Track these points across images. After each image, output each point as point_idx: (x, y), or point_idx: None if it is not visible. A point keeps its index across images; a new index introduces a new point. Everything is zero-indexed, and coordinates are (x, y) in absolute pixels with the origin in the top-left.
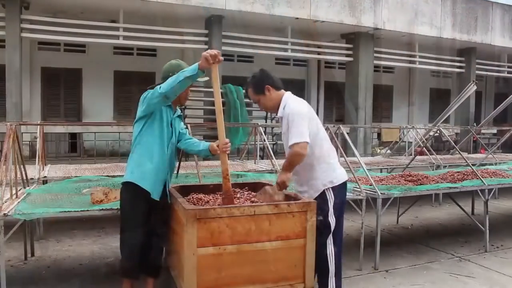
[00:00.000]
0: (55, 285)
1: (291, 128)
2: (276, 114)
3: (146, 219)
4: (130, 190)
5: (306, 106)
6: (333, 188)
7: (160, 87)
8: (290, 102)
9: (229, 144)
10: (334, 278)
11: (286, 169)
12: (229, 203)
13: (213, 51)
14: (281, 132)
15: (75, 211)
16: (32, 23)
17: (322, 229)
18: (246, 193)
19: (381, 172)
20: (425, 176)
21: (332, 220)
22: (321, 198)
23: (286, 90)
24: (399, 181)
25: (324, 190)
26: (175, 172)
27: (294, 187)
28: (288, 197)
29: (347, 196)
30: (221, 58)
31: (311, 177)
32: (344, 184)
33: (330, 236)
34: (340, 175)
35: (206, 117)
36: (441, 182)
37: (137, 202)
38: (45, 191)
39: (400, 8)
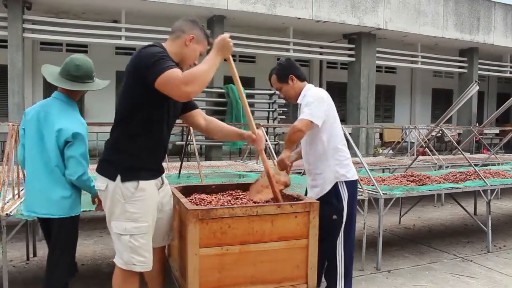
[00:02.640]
0: None
1: (304, 108)
2: (296, 102)
3: None
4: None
5: (326, 94)
6: (346, 182)
7: None
8: (312, 89)
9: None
10: (343, 280)
11: (286, 146)
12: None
13: None
14: (283, 133)
15: None
16: (34, 23)
17: (333, 226)
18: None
19: (383, 172)
20: (427, 176)
21: (344, 217)
22: (334, 191)
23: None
24: (401, 181)
25: (337, 183)
26: (177, 172)
27: (307, 182)
28: (291, 198)
29: None
30: None
31: (324, 168)
32: (356, 183)
33: (341, 235)
34: (353, 172)
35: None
36: (444, 183)
37: None
38: None
39: (402, 8)
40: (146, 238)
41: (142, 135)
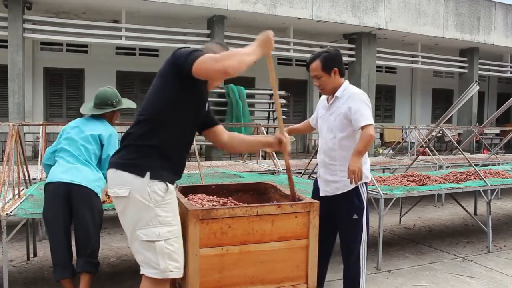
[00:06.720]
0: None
1: (359, 109)
2: (332, 95)
3: None
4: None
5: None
6: (366, 184)
7: None
8: (353, 87)
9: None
10: (364, 280)
11: (361, 153)
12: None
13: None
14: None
15: None
16: (34, 23)
17: (355, 226)
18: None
19: (383, 172)
20: (428, 177)
21: (364, 217)
22: (356, 191)
23: (288, 90)
24: (402, 181)
25: (358, 185)
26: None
27: (322, 176)
28: (290, 198)
29: None
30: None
31: None
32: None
33: (364, 237)
34: (369, 175)
35: None
36: (444, 183)
37: None
38: None
39: (402, 8)
40: (178, 242)
41: (171, 137)
